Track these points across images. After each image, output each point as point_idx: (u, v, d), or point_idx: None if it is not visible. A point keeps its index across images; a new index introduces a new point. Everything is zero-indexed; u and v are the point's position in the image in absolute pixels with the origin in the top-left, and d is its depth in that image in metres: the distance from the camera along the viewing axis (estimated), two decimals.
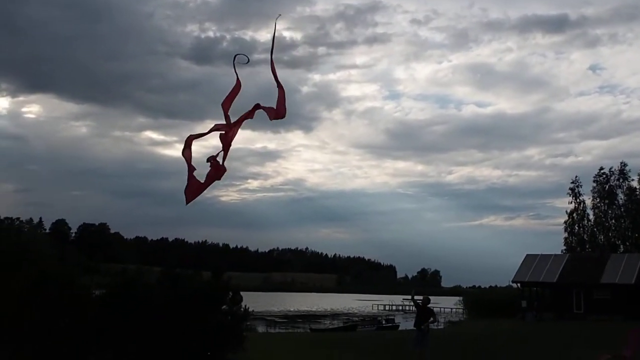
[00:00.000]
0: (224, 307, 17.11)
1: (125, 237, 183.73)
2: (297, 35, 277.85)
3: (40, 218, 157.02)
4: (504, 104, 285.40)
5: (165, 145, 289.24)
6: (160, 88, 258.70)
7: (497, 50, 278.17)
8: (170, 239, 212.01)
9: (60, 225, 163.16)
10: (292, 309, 76.94)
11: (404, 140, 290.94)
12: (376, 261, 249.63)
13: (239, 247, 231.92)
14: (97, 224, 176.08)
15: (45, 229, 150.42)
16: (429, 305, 17.84)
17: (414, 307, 18.01)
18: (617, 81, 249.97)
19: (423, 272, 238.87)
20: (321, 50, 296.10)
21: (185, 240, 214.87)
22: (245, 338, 17.18)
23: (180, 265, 40.82)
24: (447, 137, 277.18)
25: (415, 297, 17.98)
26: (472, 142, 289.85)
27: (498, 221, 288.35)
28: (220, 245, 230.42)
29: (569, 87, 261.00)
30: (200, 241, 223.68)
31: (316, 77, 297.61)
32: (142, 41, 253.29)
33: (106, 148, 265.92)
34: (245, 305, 17.49)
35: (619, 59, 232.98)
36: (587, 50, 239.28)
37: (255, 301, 61.29)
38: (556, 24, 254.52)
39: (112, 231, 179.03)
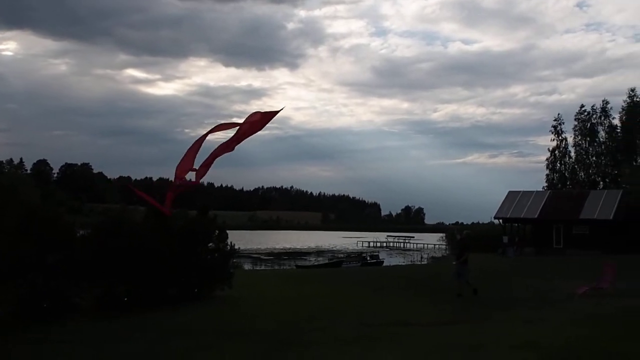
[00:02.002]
0: (211, 244, 17.30)
1: (108, 177, 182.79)
2: None
3: (21, 158, 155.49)
4: (490, 41, 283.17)
5: (148, 83, 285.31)
6: (142, 24, 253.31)
7: None
8: (154, 179, 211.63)
9: (41, 166, 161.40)
10: (277, 247, 77.81)
11: (390, 77, 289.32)
12: (361, 199, 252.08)
13: (224, 185, 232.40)
14: (79, 163, 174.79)
15: (26, 170, 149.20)
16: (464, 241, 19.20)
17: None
18: (603, 19, 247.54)
19: (407, 209, 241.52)
20: None
21: (170, 179, 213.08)
22: (233, 275, 17.47)
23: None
24: (433, 74, 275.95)
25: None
26: (458, 80, 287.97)
27: (482, 159, 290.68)
28: (205, 184, 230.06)
29: (555, 24, 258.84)
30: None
31: (302, 13, 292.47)
32: None
33: (87, 86, 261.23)
34: (232, 243, 17.69)
35: None
36: None
37: (241, 239, 61.74)
38: None
39: (94, 171, 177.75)
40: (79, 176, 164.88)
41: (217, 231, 17.48)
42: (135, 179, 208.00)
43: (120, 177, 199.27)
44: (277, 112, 6.97)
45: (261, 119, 6.87)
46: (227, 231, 17.75)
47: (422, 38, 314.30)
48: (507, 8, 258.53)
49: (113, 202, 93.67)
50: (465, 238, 19.74)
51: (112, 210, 18.05)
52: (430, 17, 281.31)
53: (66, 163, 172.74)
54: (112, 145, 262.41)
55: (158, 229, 15.47)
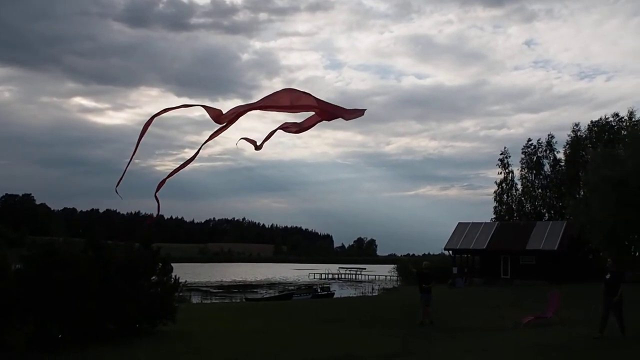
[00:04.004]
0: (154, 277, 16.82)
1: (52, 209, 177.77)
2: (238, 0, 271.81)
3: None
4: (443, 76, 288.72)
5: (97, 112, 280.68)
6: (91, 52, 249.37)
7: (438, 22, 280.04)
8: (101, 210, 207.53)
9: None
10: (227, 279, 76.68)
11: None
12: (314, 231, 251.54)
13: (174, 217, 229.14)
14: (20, 194, 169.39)
15: None
16: (427, 271, 20.06)
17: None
18: (550, 56, 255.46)
19: (359, 241, 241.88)
20: (262, 16, 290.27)
21: (117, 211, 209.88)
22: (177, 309, 16.99)
23: (111, 236, 39.78)
24: (386, 107, 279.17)
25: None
26: (411, 113, 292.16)
27: (433, 191, 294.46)
28: (154, 216, 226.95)
29: (505, 60, 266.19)
30: (133, 212, 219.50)
31: (257, 44, 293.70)
32: (73, 0, 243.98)
33: (32, 114, 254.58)
34: (176, 276, 17.24)
35: (553, 35, 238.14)
36: (524, 24, 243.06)
37: (190, 272, 61.05)
38: None
39: (37, 202, 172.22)
40: (20, 207, 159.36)
41: (160, 264, 17.04)
42: (81, 211, 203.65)
43: (65, 209, 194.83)
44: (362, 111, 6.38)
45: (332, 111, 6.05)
46: (176, 264, 17.37)
47: (377, 72, 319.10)
48: (459, 44, 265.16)
49: (57, 235, 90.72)
50: (430, 267, 20.66)
51: (51, 242, 17.41)
52: (384, 52, 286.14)
53: (6, 194, 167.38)
54: (57, 175, 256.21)
55: (96, 261, 14.96)
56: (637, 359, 10.36)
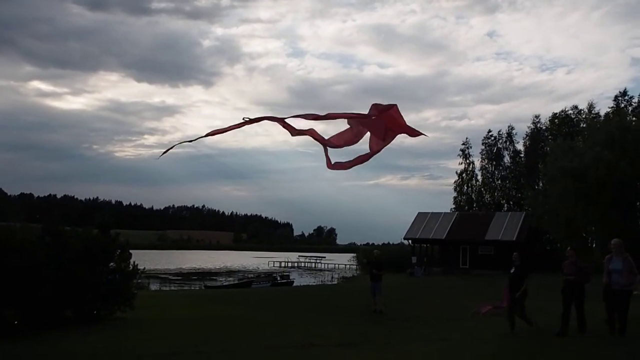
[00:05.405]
0: (112, 264, 16.56)
1: (8, 194, 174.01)
2: None
3: None
4: (405, 65, 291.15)
5: (54, 96, 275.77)
6: (49, 35, 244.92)
7: (401, 11, 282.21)
8: (58, 196, 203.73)
9: None
10: (187, 267, 76.09)
11: (306, 98, 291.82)
12: (274, 219, 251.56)
13: (132, 204, 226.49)
14: None
15: None
16: (378, 259, 20.06)
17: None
18: (512, 48, 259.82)
19: (319, 230, 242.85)
20: (225, 1, 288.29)
21: (75, 197, 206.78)
22: (135, 296, 16.78)
23: (68, 222, 38.98)
24: (348, 96, 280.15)
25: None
26: (373, 102, 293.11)
27: (394, 181, 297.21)
28: (113, 202, 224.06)
29: (467, 51, 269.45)
30: (92, 198, 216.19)
31: (218, 30, 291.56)
32: None
33: None
34: (135, 262, 17.00)
35: (515, 27, 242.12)
36: (487, 16, 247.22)
37: (148, 259, 60.26)
38: None
39: None
40: None
41: (118, 250, 16.77)
42: (38, 196, 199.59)
43: (22, 194, 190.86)
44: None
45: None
46: (134, 251, 17.14)
47: (339, 60, 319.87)
48: (422, 34, 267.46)
49: (14, 220, 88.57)
50: (380, 256, 20.67)
51: (2, 227, 16.94)
52: (347, 40, 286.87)
53: None
54: (13, 160, 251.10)
55: (53, 247, 14.63)
56: (592, 345, 10.58)
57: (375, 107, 5.56)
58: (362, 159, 5.96)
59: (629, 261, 11.07)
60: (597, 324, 11.71)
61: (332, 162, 5.94)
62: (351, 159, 6.02)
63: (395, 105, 5.58)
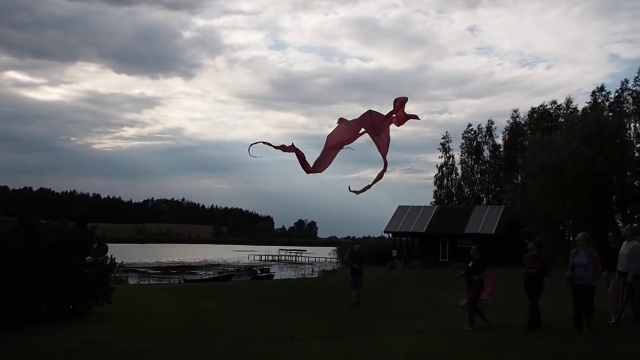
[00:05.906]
0: (89, 257, 16.37)
1: None
2: None
3: None
4: (386, 59, 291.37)
5: (31, 87, 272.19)
6: (26, 24, 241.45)
7: (383, 5, 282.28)
8: (34, 189, 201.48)
9: None
10: (166, 261, 75.60)
11: (288, 91, 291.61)
12: (254, 212, 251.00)
13: (110, 197, 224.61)
14: None
15: None
16: (358, 254, 19.65)
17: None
18: (493, 43, 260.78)
19: (300, 223, 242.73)
20: None
21: (52, 189, 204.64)
22: (113, 290, 16.62)
23: (44, 216, 38.53)
24: (330, 89, 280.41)
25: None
26: (354, 96, 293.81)
27: (375, 174, 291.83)
28: (91, 195, 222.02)
29: (448, 46, 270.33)
30: (69, 191, 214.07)
31: (199, 21, 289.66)
32: None
33: None
34: (112, 256, 16.82)
35: (496, 22, 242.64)
36: (468, 10, 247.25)
37: (127, 253, 59.84)
38: None
39: None
40: None
41: (95, 243, 16.58)
42: (13, 189, 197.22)
43: None
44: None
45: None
46: (113, 244, 16.98)
47: (321, 53, 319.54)
48: (403, 28, 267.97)
49: None
50: (362, 251, 20.42)
51: None
52: (329, 33, 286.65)
53: None
54: None
55: (29, 240, 14.42)
56: (564, 340, 10.65)
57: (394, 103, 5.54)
58: (381, 174, 5.97)
59: (594, 256, 11.04)
60: (570, 317, 11.73)
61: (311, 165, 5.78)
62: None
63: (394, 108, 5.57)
